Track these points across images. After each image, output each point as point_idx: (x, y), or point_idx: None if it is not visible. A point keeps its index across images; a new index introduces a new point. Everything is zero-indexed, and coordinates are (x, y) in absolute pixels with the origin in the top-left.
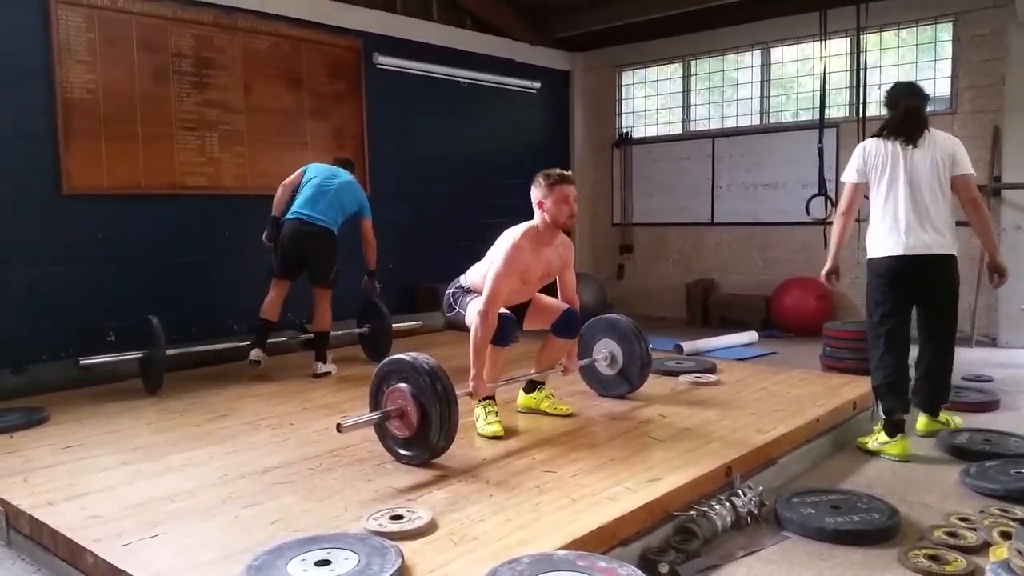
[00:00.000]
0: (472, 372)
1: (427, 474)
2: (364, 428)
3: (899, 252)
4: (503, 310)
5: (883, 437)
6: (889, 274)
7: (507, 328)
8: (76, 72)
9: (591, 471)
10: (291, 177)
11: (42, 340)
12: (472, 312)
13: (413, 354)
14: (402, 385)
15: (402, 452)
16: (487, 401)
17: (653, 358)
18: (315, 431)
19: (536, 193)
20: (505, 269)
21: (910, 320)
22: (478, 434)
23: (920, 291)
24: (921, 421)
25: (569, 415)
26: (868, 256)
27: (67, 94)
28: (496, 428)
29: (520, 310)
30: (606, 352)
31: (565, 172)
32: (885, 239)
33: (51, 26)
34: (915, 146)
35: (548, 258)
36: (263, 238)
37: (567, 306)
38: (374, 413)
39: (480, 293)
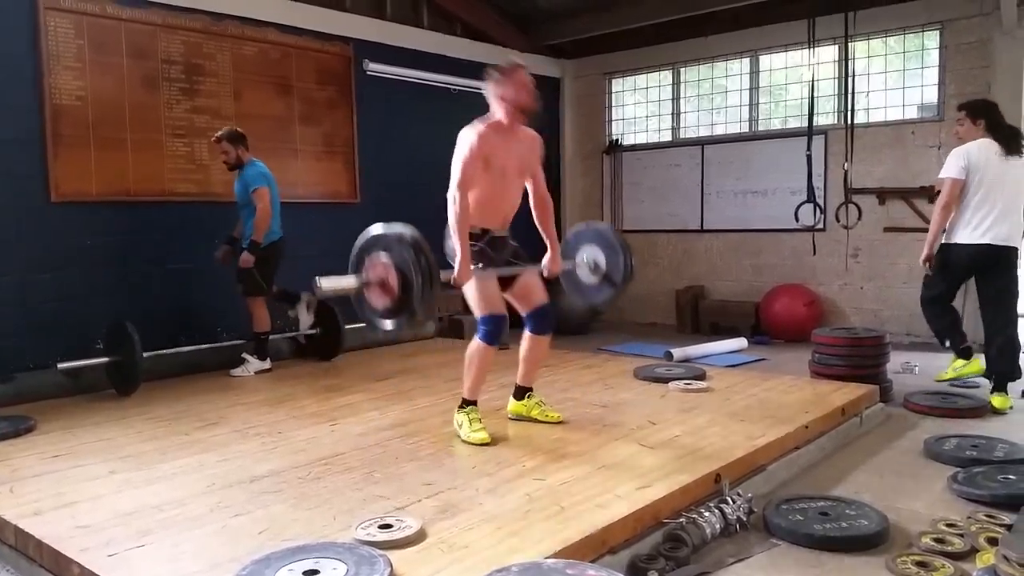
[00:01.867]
0: (457, 256)
1: (417, 483)
2: (343, 294)
3: (987, 241)
4: (497, 311)
5: (959, 362)
6: (969, 258)
7: (499, 327)
8: (65, 79)
9: (581, 479)
10: (270, 198)
11: (29, 348)
12: (449, 204)
13: (397, 227)
14: (384, 257)
15: (383, 321)
16: (470, 408)
17: (643, 364)
18: (304, 439)
19: (493, 88)
20: (469, 152)
21: None
22: (463, 441)
23: (993, 272)
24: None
25: (559, 422)
26: (955, 241)
27: (56, 100)
28: (483, 435)
29: (510, 278)
30: (589, 259)
31: (517, 59)
32: (975, 229)
33: (40, 33)
34: (1016, 155)
35: (517, 150)
36: (240, 261)
37: (544, 302)
38: (353, 277)
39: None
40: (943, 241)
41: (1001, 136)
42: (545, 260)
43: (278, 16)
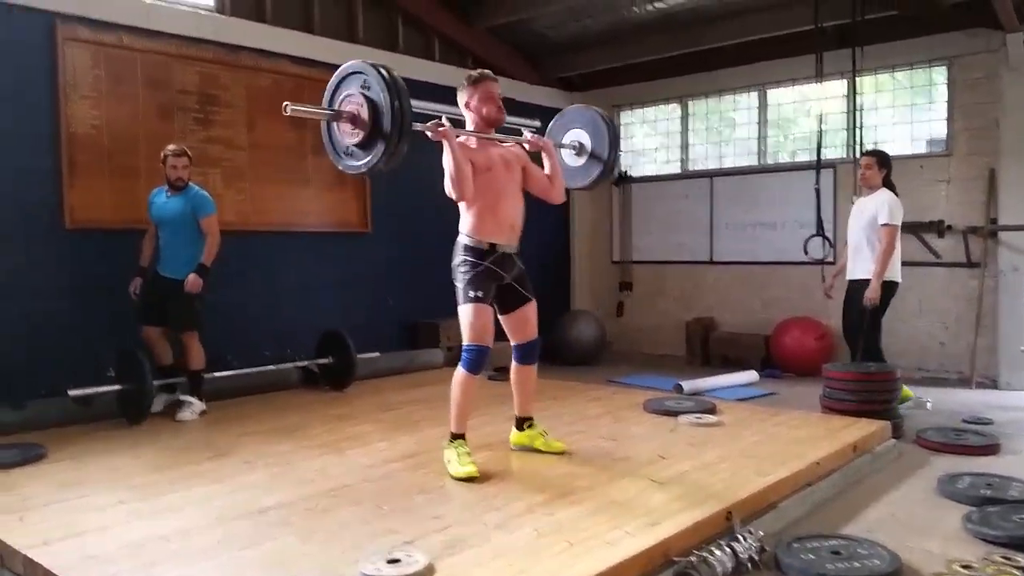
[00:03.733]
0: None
1: (425, 516)
2: (313, 117)
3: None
4: (484, 343)
5: None
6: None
7: (483, 357)
8: (81, 108)
9: (590, 514)
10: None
11: (42, 375)
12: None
13: (372, 62)
14: (358, 92)
15: (350, 158)
16: (458, 441)
17: (652, 396)
18: (312, 470)
19: (461, 96)
20: (453, 154)
21: None
22: (452, 477)
23: None
24: None
25: (563, 453)
26: (892, 278)
27: (72, 129)
28: (471, 469)
29: (510, 304)
30: (574, 140)
31: (485, 71)
32: (894, 267)
33: (58, 63)
34: None
35: (499, 152)
36: (188, 284)
37: (534, 337)
38: (326, 107)
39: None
40: (885, 279)
41: (892, 187)
42: (528, 135)
43: (293, 48)
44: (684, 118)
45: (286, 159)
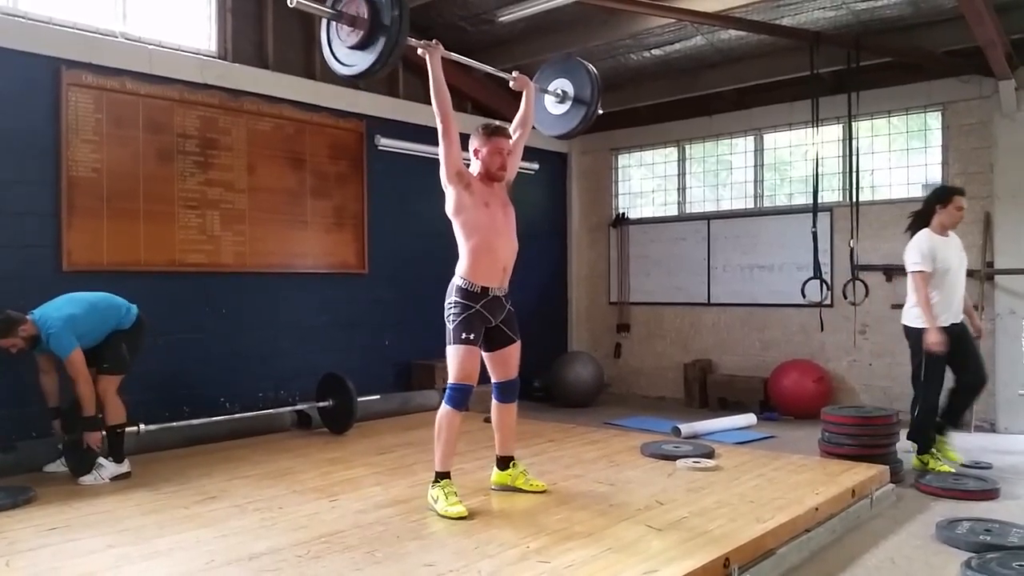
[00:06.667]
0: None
1: (418, 563)
2: (314, 11)
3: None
4: (469, 382)
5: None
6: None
7: (467, 396)
8: (82, 151)
9: (586, 561)
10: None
11: (32, 417)
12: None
13: None
14: None
15: (346, 62)
16: (444, 481)
17: (650, 440)
18: (304, 515)
19: (474, 142)
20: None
21: None
22: (440, 516)
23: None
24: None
25: (543, 491)
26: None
27: (72, 173)
28: (460, 509)
29: (495, 344)
30: (556, 88)
31: (502, 125)
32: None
33: (61, 107)
34: None
35: (499, 194)
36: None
37: (514, 376)
38: (328, 6)
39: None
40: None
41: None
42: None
43: (294, 93)
44: (681, 161)
45: (285, 201)
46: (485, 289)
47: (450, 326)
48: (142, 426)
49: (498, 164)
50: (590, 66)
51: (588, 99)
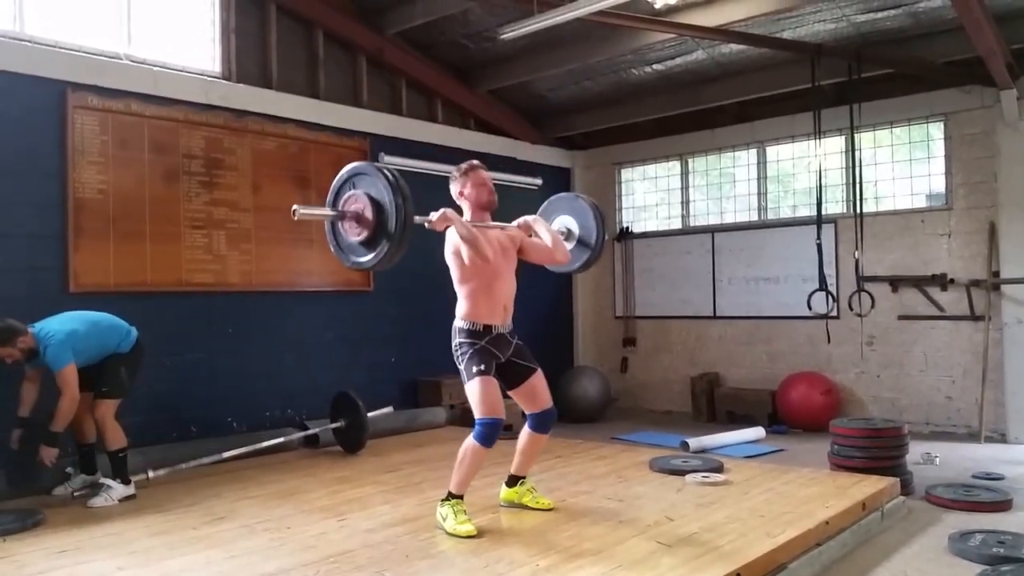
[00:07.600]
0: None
1: None
2: (319, 219)
3: None
4: (497, 415)
5: None
6: None
7: (496, 431)
8: (88, 173)
9: None
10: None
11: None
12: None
13: (378, 165)
14: (362, 192)
15: (356, 256)
16: (455, 500)
17: (658, 455)
18: (312, 535)
19: (454, 187)
20: (465, 227)
21: None
22: (448, 534)
23: None
24: None
25: (550, 509)
26: None
27: (79, 194)
28: (469, 528)
29: (514, 378)
30: (561, 226)
31: (475, 161)
32: None
33: (67, 130)
34: None
35: (496, 235)
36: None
37: (549, 406)
38: (330, 209)
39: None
40: None
41: None
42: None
43: (298, 112)
44: (684, 175)
45: (291, 221)
46: (488, 327)
47: (461, 366)
48: (151, 472)
49: (486, 193)
50: (597, 210)
51: (593, 244)
